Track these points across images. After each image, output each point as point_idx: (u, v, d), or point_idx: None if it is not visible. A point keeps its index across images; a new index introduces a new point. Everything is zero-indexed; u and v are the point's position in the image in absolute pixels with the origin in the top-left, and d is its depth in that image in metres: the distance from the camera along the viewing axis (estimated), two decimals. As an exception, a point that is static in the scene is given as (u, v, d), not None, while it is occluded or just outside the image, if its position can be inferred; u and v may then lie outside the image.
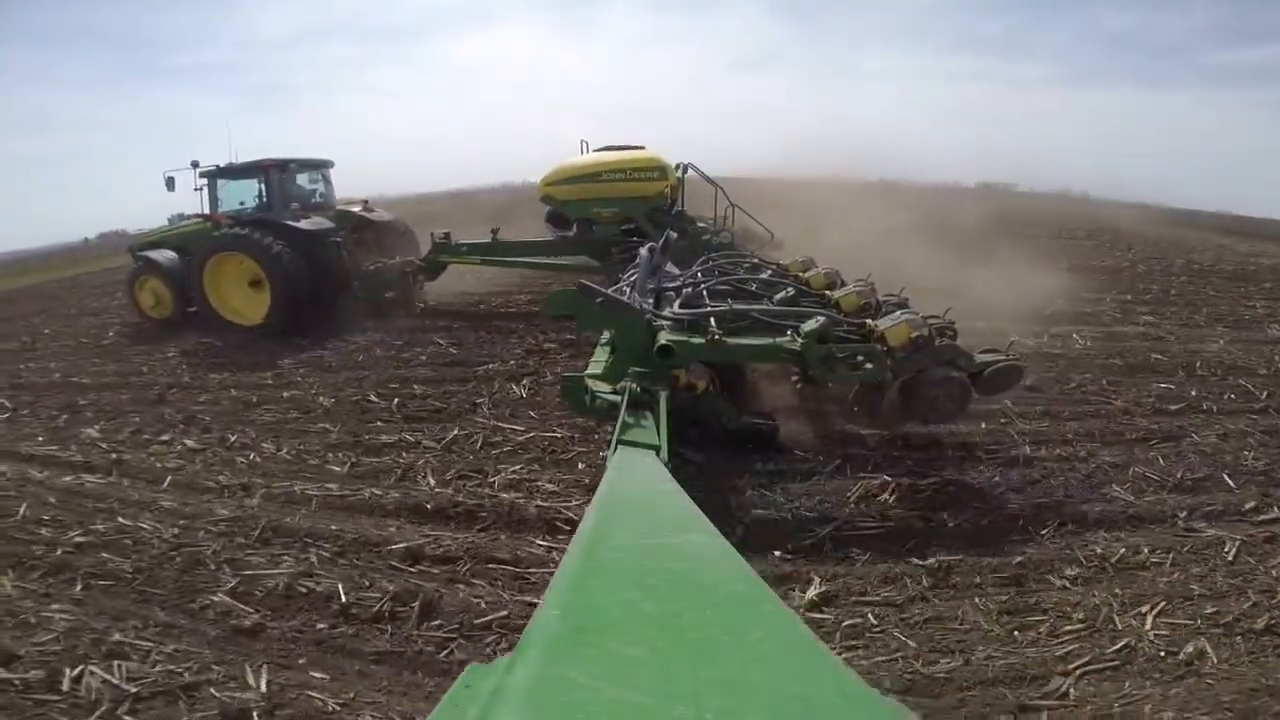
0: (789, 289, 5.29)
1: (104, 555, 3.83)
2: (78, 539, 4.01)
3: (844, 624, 2.93)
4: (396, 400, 6.06)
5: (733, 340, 4.30)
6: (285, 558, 3.70)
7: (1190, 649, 2.73)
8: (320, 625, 3.14)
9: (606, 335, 4.84)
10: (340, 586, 3.34)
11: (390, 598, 3.24)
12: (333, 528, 3.98)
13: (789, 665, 0.90)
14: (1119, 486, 4.11)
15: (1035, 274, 9.50)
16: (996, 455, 4.53)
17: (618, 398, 3.68)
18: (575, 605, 1.01)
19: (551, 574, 2.99)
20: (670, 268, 6.00)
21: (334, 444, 5.26)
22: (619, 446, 2.84)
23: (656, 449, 2.86)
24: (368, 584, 3.38)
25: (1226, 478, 4.20)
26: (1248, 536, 3.56)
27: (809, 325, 4.25)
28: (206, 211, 9.35)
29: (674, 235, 6.88)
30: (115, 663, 2.88)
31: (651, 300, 4.78)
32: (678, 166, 8.89)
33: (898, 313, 4.30)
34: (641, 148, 9.07)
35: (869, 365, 4.15)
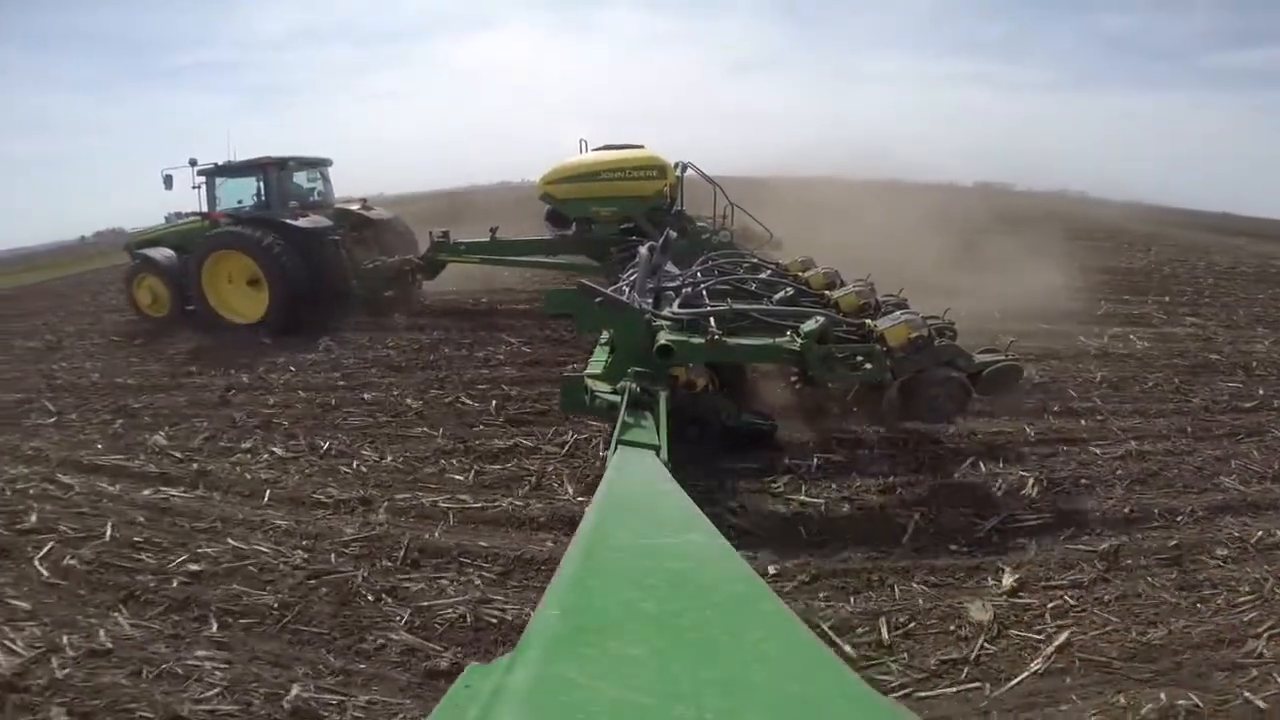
0: (788, 289, 5.30)
1: (234, 587, 3.42)
2: (189, 566, 3.63)
3: (1049, 605, 3.10)
4: (494, 402, 5.84)
5: (732, 340, 4.29)
6: (446, 582, 3.37)
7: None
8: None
9: (606, 335, 4.84)
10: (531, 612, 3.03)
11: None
12: (483, 544, 3.70)
13: (789, 665, 0.90)
14: (1227, 478, 4.36)
15: (1072, 276, 10.04)
16: (1109, 450, 4.72)
17: (617, 398, 3.68)
18: (575, 605, 1.01)
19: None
20: (670, 267, 6.00)
21: (443, 450, 4.97)
22: (619, 446, 2.83)
23: (656, 449, 2.86)
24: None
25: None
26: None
27: (808, 325, 4.25)
28: (204, 210, 9.34)
29: (674, 234, 6.87)
30: (310, 724, 2.51)
31: (651, 300, 4.77)
32: (677, 165, 8.88)
33: (897, 313, 4.30)
34: (640, 147, 9.07)
35: (868, 365, 4.16)
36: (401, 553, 3.64)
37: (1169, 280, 11.43)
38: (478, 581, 3.37)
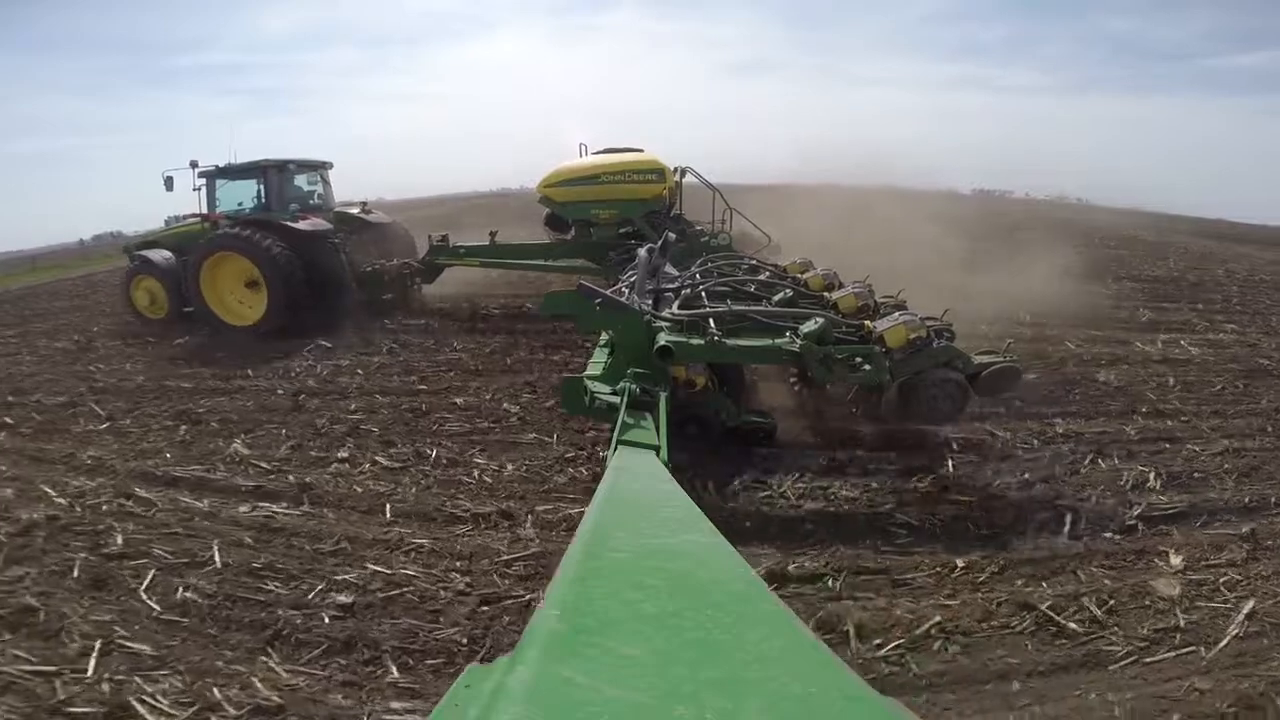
0: (787, 290, 5.30)
1: (401, 620, 3.04)
2: (335, 596, 3.23)
3: (1220, 581, 3.31)
4: None
5: (732, 341, 4.30)
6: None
7: None
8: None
9: (605, 336, 4.84)
10: None
11: (815, 626, 2.91)
12: None
13: (789, 665, 0.90)
14: None
15: (1104, 285, 10.68)
16: (1207, 448, 4.89)
17: (617, 398, 3.68)
18: (575, 605, 1.01)
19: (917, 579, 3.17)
20: (669, 269, 6.01)
21: (564, 458, 4.75)
22: (619, 446, 2.83)
23: (656, 449, 2.86)
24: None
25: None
26: None
27: (808, 326, 4.26)
28: (204, 212, 9.34)
29: (673, 236, 6.89)
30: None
31: (650, 301, 4.78)
32: (676, 170, 8.90)
33: (896, 314, 4.31)
34: (640, 150, 9.10)
35: (867, 367, 4.16)
36: None
37: (1196, 289, 11.66)
38: None
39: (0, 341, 10.02)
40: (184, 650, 2.93)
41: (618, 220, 8.84)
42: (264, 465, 4.86)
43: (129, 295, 9.75)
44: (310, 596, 3.26)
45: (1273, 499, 4.17)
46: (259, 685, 2.67)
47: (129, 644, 2.96)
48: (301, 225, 8.91)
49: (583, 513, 3.94)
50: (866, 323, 4.37)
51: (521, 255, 9.81)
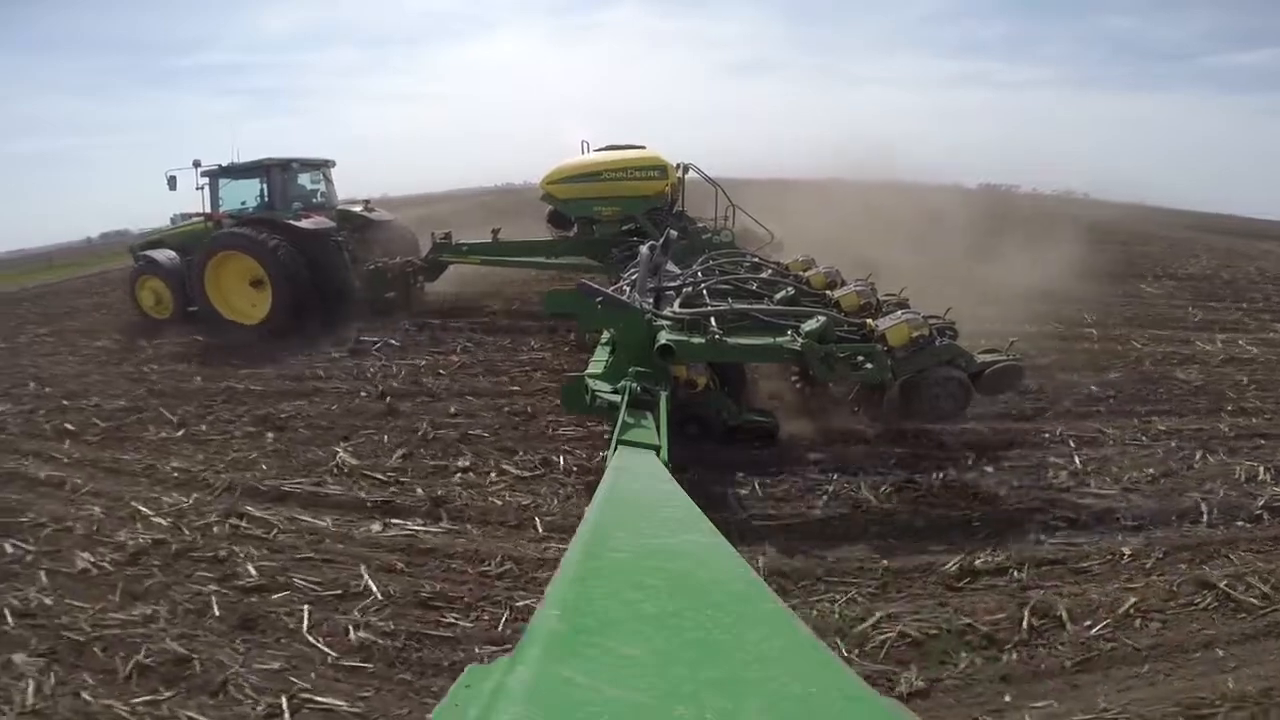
0: (789, 288, 5.29)
1: None
2: None
3: None
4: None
5: (733, 340, 4.29)
6: (829, 604, 3.13)
7: None
8: (969, 661, 2.83)
9: (607, 334, 4.84)
10: (945, 621, 2.97)
11: (1005, 618, 3.01)
12: (830, 559, 3.48)
13: (789, 665, 0.90)
14: None
15: (1147, 284, 10.88)
16: None
17: (618, 397, 3.68)
18: (575, 605, 1.01)
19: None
20: (670, 267, 6.00)
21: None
22: (619, 446, 2.84)
23: (656, 449, 2.86)
24: (953, 611, 3.05)
25: None
26: None
27: (809, 325, 4.25)
28: (208, 211, 9.36)
29: (675, 234, 6.89)
30: None
31: (651, 300, 4.77)
32: (678, 166, 8.89)
33: (898, 312, 4.29)
34: (642, 147, 9.08)
35: (869, 365, 4.15)
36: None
37: (1233, 286, 11.63)
38: (859, 599, 3.16)
39: (37, 340, 9.88)
40: (384, 702, 2.63)
41: (620, 217, 8.83)
42: (379, 477, 4.51)
43: (134, 295, 9.79)
44: (500, 629, 3.00)
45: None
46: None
47: (317, 698, 2.63)
48: (305, 223, 8.91)
49: (749, 521, 3.86)
50: (868, 321, 4.35)
51: (524, 252, 9.81)
